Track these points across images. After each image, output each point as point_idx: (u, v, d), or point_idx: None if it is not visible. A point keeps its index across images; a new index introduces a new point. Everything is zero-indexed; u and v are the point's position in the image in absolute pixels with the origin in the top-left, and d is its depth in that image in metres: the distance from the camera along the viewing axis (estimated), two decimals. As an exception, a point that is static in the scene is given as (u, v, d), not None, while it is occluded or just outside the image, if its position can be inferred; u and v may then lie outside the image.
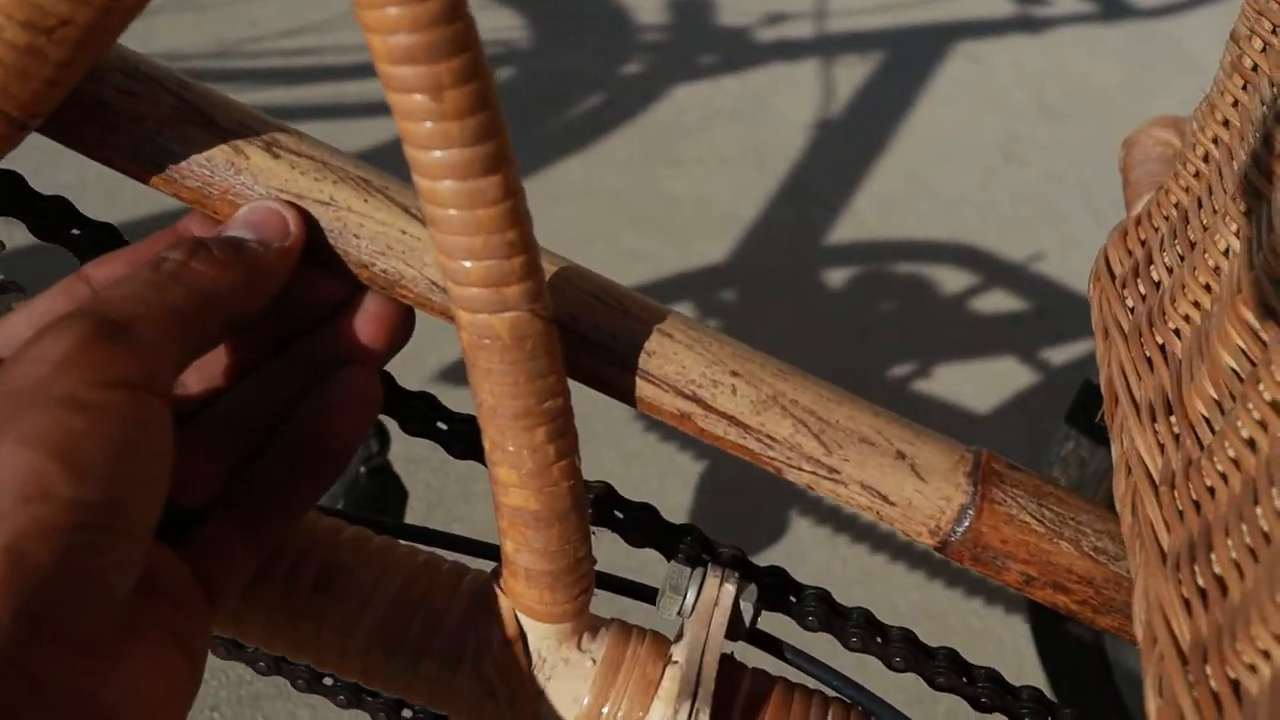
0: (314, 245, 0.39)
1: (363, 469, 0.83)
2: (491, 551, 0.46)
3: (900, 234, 2.10)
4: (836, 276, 1.97)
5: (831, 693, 0.44)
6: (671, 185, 2.12)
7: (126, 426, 0.31)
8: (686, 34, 2.64)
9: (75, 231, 0.43)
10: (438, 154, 0.31)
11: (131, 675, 0.31)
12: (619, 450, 1.56)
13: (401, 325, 0.41)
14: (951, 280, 2.00)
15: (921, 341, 1.83)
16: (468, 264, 0.33)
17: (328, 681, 0.52)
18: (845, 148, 2.33)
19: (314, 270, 0.40)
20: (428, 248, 0.40)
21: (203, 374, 0.39)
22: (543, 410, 0.35)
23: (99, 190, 1.75)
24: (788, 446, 0.41)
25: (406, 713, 0.52)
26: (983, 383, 1.77)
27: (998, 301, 1.98)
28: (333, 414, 0.39)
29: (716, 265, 1.94)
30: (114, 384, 0.31)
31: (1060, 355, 1.86)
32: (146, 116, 0.39)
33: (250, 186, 0.39)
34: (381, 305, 0.40)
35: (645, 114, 2.32)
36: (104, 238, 0.43)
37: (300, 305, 0.40)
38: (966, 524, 0.41)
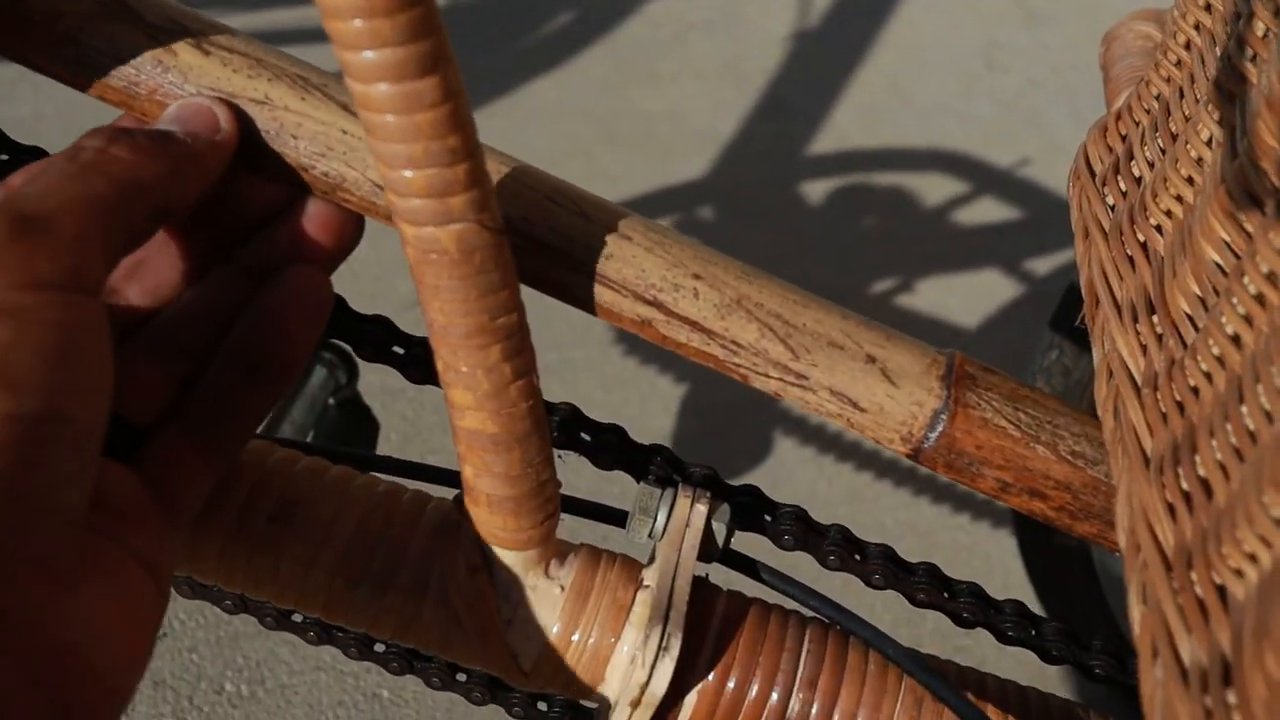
0: (252, 147, 0.37)
1: (332, 400, 0.81)
2: (454, 479, 0.45)
3: (881, 145, 2.07)
4: (817, 191, 1.94)
5: (810, 613, 0.43)
6: (647, 102, 2.09)
7: (59, 331, 0.29)
8: (659, -52, 2.58)
9: (4, 158, 0.40)
10: (369, 54, 0.29)
11: (93, 597, 0.29)
12: (598, 376, 1.55)
13: (348, 228, 0.39)
14: (934, 191, 1.98)
15: (904, 255, 1.81)
16: (408, 174, 0.31)
17: (297, 618, 0.51)
18: (824, 59, 2.29)
19: (253, 175, 0.38)
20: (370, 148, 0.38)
21: (144, 285, 0.37)
22: (496, 327, 0.34)
23: (57, 123, 1.71)
24: (753, 352, 0.39)
25: (379, 647, 0.51)
26: (967, 295, 1.76)
27: (981, 211, 1.96)
28: (283, 314, 0.37)
29: (694, 183, 1.91)
30: (38, 285, 0.29)
31: (1045, 264, 1.84)
32: (66, 13, 0.37)
33: (180, 85, 0.37)
34: (324, 209, 0.38)
35: (618, 30, 2.27)
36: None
37: (241, 211, 0.38)
38: (940, 429, 0.40)
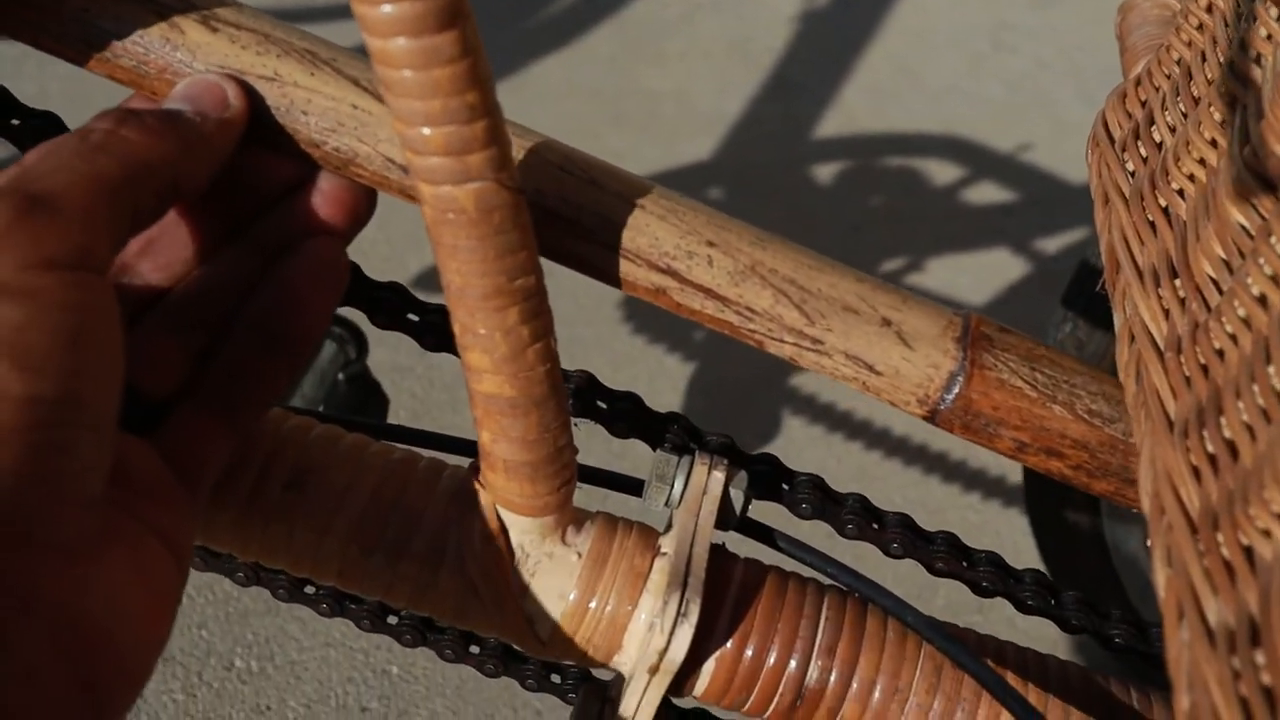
0: (262, 124, 0.37)
1: (341, 376, 0.81)
2: (469, 448, 0.44)
3: (889, 126, 2.06)
4: (825, 171, 1.93)
5: (828, 580, 0.43)
6: (654, 82, 2.08)
7: (70, 312, 0.29)
8: (666, -73, 2.56)
9: (15, 122, 0.40)
10: (387, 8, 0.28)
11: (115, 576, 0.29)
12: (607, 353, 1.54)
13: (361, 202, 0.39)
14: (942, 172, 1.97)
15: (913, 235, 1.81)
16: (426, 131, 0.30)
17: (309, 590, 0.51)
18: (831, 39, 2.27)
19: (265, 151, 0.37)
20: (381, 122, 0.37)
21: (158, 261, 0.37)
22: (514, 289, 0.33)
23: (62, 100, 1.70)
24: (768, 318, 0.39)
25: (392, 619, 0.51)
26: (976, 274, 1.75)
27: (989, 192, 1.95)
28: (299, 286, 0.37)
29: (702, 163, 1.91)
30: (48, 265, 0.29)
31: (1054, 244, 1.83)
32: (75, -8, 0.37)
33: (189, 64, 0.37)
34: (336, 184, 0.38)
35: (626, 9, 2.26)
36: (46, 127, 0.40)
37: (253, 188, 0.38)
38: (956, 391, 0.40)
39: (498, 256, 0.33)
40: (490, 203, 0.32)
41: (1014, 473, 1.43)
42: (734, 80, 2.11)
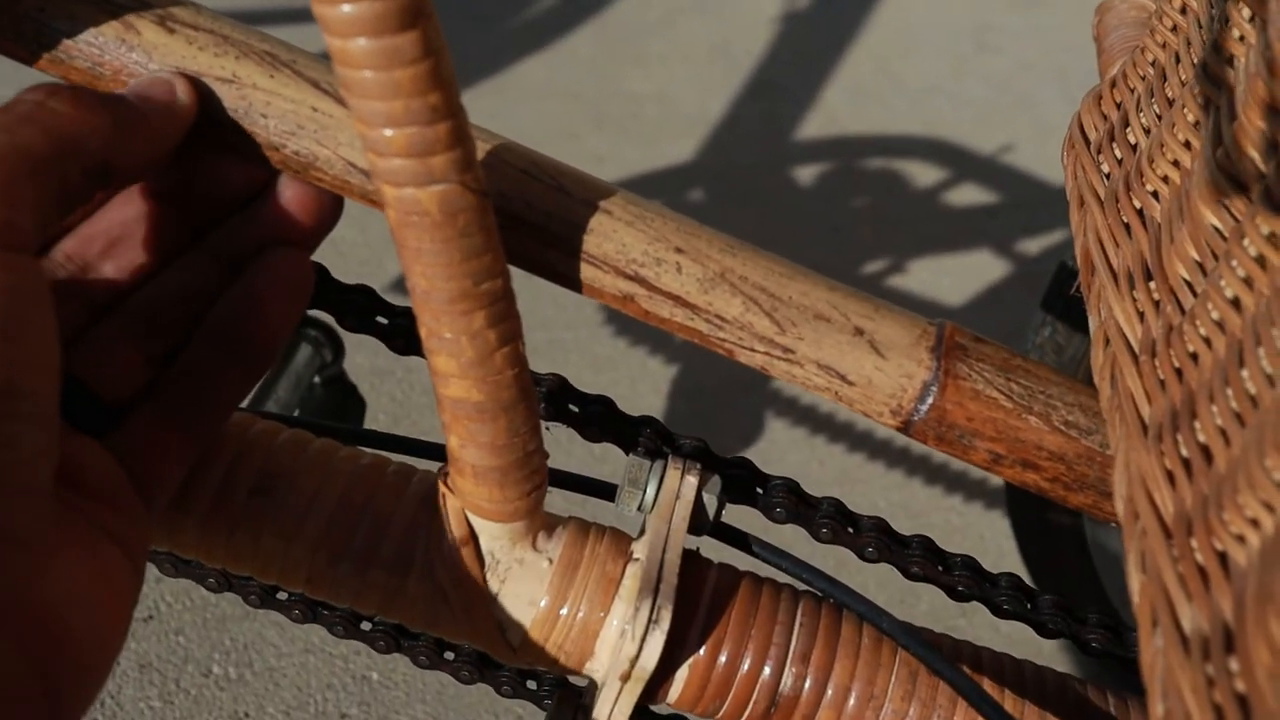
0: (220, 126, 0.36)
1: (318, 379, 0.80)
2: (439, 452, 0.44)
3: (871, 127, 2.06)
4: (807, 173, 1.93)
5: (802, 586, 0.43)
6: (635, 84, 2.07)
7: (1, 297, 0.28)
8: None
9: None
10: (347, 8, 0.28)
11: (68, 573, 0.29)
12: (588, 356, 1.54)
13: (326, 208, 0.38)
14: (924, 173, 1.97)
15: (895, 237, 1.81)
16: (388, 132, 0.30)
17: (282, 596, 0.50)
18: (812, 40, 2.27)
19: (226, 156, 0.37)
20: (342, 126, 0.37)
21: (120, 263, 0.37)
22: (480, 293, 0.33)
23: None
24: (738, 326, 0.39)
25: (365, 625, 0.50)
26: (958, 275, 1.75)
27: (972, 193, 1.95)
28: (261, 295, 0.37)
29: (683, 165, 1.90)
30: None
31: (1036, 245, 1.84)
32: (28, -9, 0.36)
33: (144, 64, 0.36)
34: (301, 188, 0.37)
35: (607, 10, 2.26)
36: None
37: (216, 193, 0.37)
38: (930, 401, 0.39)
39: (463, 260, 0.32)
40: (454, 205, 0.31)
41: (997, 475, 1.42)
42: (715, 82, 2.11)
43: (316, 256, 0.40)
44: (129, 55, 0.36)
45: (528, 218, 0.38)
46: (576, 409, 0.43)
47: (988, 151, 2.04)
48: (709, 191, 1.85)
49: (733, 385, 1.51)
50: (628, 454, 0.43)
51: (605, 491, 0.44)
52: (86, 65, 0.36)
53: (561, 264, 0.38)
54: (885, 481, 1.44)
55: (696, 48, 2.20)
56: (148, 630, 1.14)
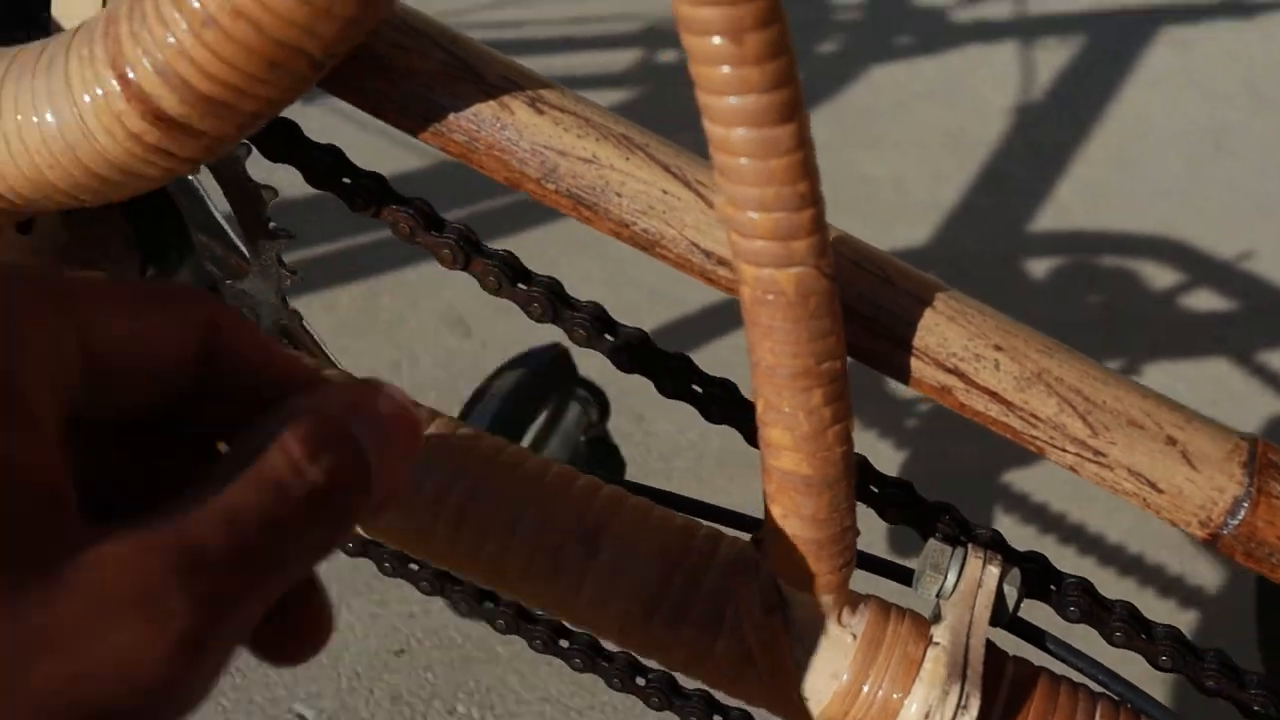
0: (578, 201, 0.39)
1: (583, 438, 0.83)
2: (739, 521, 0.45)
3: (1105, 224, 2.01)
4: (1039, 267, 1.90)
5: (1097, 687, 0.42)
6: (869, 168, 2.08)
7: None
8: (882, 14, 2.58)
9: (346, 180, 0.43)
10: (733, 100, 0.30)
11: None
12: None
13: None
14: (1159, 275, 1.91)
15: (1128, 338, 1.75)
16: (755, 216, 0.32)
17: (563, 643, 0.52)
18: (1045, 133, 2.24)
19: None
20: (689, 208, 0.39)
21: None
22: (821, 371, 0.34)
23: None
24: (1051, 426, 0.39)
25: (640, 680, 0.52)
26: (1194, 381, 1.69)
27: (1209, 299, 1.88)
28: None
29: (916, 250, 1.89)
30: None
31: (1277, 358, 1.75)
32: (419, 71, 0.40)
33: (515, 141, 0.39)
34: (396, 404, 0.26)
35: (841, 95, 2.28)
36: (374, 188, 0.43)
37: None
38: (1241, 517, 0.39)
39: (810, 339, 0.34)
40: (809, 288, 0.33)
41: None
42: (947, 170, 2.10)
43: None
44: (502, 133, 0.39)
45: (855, 307, 0.39)
46: (876, 490, 0.44)
47: (1225, 257, 1.96)
48: (941, 279, 1.83)
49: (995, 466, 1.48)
50: (923, 538, 0.43)
51: (901, 575, 0.44)
52: (463, 139, 0.40)
53: (883, 352, 0.39)
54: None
55: (929, 135, 2.20)
56: (399, 663, 1.19)
